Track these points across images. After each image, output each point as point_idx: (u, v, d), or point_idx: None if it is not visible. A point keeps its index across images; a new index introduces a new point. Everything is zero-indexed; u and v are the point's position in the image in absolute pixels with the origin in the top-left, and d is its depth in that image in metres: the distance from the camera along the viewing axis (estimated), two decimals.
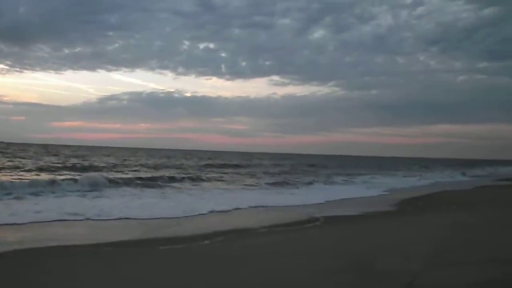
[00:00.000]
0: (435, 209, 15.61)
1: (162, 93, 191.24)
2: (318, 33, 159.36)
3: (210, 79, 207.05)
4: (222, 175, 33.03)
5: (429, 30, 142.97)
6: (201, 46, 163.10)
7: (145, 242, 8.84)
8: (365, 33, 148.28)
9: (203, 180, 27.08)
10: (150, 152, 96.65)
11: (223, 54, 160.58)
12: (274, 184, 26.63)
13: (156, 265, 6.78)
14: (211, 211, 13.55)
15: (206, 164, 47.29)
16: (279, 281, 5.85)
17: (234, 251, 8.07)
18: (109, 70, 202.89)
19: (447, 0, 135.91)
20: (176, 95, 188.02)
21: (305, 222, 11.90)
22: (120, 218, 11.68)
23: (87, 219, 11.44)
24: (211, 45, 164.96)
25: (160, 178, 25.52)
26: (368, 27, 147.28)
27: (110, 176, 24.73)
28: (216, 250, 8.13)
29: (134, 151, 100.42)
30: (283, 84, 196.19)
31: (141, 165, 41.44)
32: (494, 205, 17.01)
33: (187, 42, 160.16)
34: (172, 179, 25.74)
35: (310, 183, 28.49)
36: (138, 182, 22.59)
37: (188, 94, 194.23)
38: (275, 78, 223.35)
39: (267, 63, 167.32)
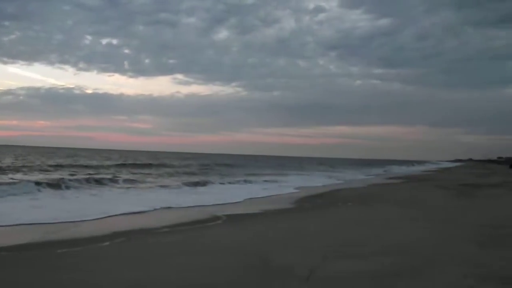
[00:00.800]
0: (332, 206, 16.83)
1: (62, 89, 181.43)
2: (222, 34, 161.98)
3: (113, 75, 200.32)
4: (131, 175, 32.31)
5: (329, 36, 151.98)
6: (104, 41, 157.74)
7: (41, 245, 8.64)
8: (269, 36, 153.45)
9: (110, 180, 26.25)
10: (51, 150, 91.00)
11: (126, 51, 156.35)
12: (185, 184, 26.72)
13: (51, 268, 6.75)
14: (123, 213, 13.35)
15: (113, 164, 45.82)
16: (176, 280, 6.09)
17: (133, 251, 8.21)
18: (4, 63, 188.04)
19: (346, 9, 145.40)
20: (76, 91, 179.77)
21: (207, 221, 12.25)
22: (19, 224, 10.96)
23: None
24: (114, 41, 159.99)
25: (63, 179, 24.27)
26: (271, 30, 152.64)
27: (8, 177, 23.14)
28: (115, 251, 8.23)
29: (33, 149, 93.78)
30: (187, 83, 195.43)
31: (43, 164, 39.06)
32: (384, 201, 18.75)
33: (89, 37, 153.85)
34: (76, 180, 24.62)
35: (221, 183, 28.97)
36: (39, 183, 21.35)
37: (89, 91, 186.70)
38: (179, 76, 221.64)
39: (171, 61, 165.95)
